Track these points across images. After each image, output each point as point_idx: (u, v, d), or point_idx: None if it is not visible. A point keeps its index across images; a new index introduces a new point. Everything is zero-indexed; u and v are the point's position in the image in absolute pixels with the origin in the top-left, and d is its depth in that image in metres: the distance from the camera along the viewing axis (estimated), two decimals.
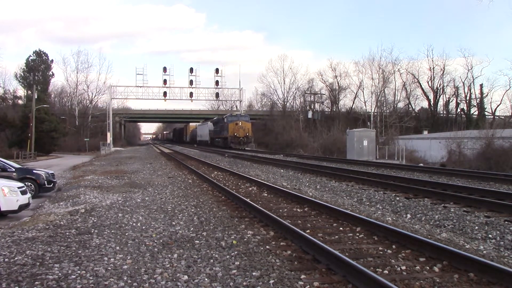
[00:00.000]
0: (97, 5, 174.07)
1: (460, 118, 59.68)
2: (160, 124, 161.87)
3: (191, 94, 63.17)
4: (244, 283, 5.16)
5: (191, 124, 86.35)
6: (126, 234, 7.83)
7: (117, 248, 6.85)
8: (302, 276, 5.39)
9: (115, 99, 67.03)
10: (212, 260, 6.08)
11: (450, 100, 62.30)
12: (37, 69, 72.57)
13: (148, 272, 5.61)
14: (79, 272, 5.62)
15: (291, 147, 51.88)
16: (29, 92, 60.35)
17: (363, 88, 65.75)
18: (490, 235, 7.83)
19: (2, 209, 10.67)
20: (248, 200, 10.75)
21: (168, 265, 5.88)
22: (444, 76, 61.31)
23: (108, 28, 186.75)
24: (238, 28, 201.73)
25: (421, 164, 28.66)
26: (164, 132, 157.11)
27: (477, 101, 59.65)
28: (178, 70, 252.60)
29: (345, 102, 69.91)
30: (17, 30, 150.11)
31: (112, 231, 8.05)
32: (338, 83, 68.27)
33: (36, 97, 45.69)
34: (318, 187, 15.19)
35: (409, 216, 9.92)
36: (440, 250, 6.07)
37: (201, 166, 24.77)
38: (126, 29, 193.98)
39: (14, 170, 15.37)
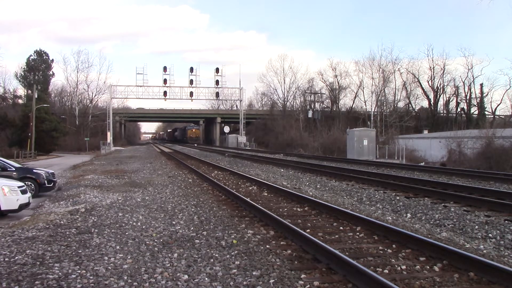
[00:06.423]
0: (101, 6, 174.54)
1: (460, 118, 59.52)
2: (160, 123, 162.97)
3: (191, 94, 63.25)
4: (245, 283, 5.16)
5: (174, 129, 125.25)
6: (126, 233, 7.83)
7: (117, 247, 6.84)
8: (303, 276, 5.39)
9: (115, 99, 67.17)
10: (212, 260, 6.08)
11: (450, 100, 62.11)
12: (37, 68, 72.37)
13: (148, 271, 5.61)
14: (79, 271, 5.62)
15: (291, 147, 51.87)
16: (29, 91, 60.26)
17: (363, 88, 65.61)
18: (490, 235, 7.83)
19: (2, 209, 10.66)
20: (248, 199, 10.75)
21: (168, 265, 5.88)
22: (444, 76, 61.08)
23: (111, 28, 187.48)
24: (241, 28, 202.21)
25: (422, 164, 28.66)
26: (161, 133, 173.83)
27: (477, 101, 59.48)
28: (179, 69, 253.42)
29: (345, 101, 69.81)
30: (19, 30, 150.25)
31: (112, 231, 8.05)
32: (338, 83, 68.14)
33: (36, 96, 45.61)
34: (318, 186, 15.19)
35: (409, 215, 9.92)
36: (440, 250, 6.07)
37: (201, 166, 24.77)
38: (129, 29, 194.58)
39: (14, 169, 15.35)
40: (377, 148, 35.61)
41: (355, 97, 67.35)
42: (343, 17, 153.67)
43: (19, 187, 11.20)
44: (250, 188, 14.43)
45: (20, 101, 66.52)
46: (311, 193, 13.04)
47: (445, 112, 63.01)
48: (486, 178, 16.39)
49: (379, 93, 61.78)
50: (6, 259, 6.28)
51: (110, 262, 6.04)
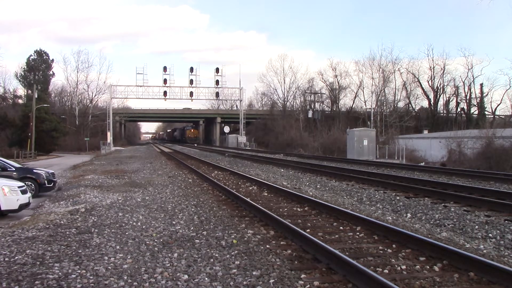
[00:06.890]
0: (101, 6, 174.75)
1: (460, 118, 59.49)
2: (160, 124, 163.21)
3: (191, 94, 63.26)
4: (245, 283, 5.16)
5: (174, 129, 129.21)
6: (126, 233, 7.83)
7: (117, 247, 6.84)
8: (303, 276, 5.39)
9: (115, 99, 67.18)
10: (212, 260, 6.08)
11: (450, 100, 62.08)
12: (37, 68, 72.37)
13: (148, 271, 5.61)
14: (79, 271, 5.62)
15: (291, 147, 51.86)
16: (29, 91, 60.28)
17: (363, 88, 65.58)
18: (490, 235, 7.83)
19: (2, 209, 10.67)
20: (248, 199, 10.75)
21: (168, 265, 5.88)
22: (444, 76, 61.05)
23: (111, 28, 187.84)
24: (241, 28, 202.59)
25: (422, 164, 28.66)
26: (160, 133, 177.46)
27: (477, 101, 59.47)
28: (179, 69, 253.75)
29: (345, 101, 69.78)
30: (19, 30, 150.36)
31: (112, 231, 8.05)
32: (338, 83, 68.13)
33: (36, 96, 45.60)
34: (318, 186, 15.19)
35: (409, 215, 9.92)
36: (440, 250, 6.07)
37: (201, 166, 24.77)
38: (129, 29, 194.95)
39: (14, 169, 15.35)
40: (377, 148, 35.62)
41: (355, 97, 67.40)
42: (343, 17, 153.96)
43: (19, 187, 11.20)
44: (250, 188, 14.43)
45: (20, 101, 66.54)
46: (311, 193, 13.04)
47: (445, 112, 63.02)
48: (486, 178, 16.39)
49: (379, 93, 61.80)
50: (6, 259, 6.28)
51: (110, 262, 6.04)
